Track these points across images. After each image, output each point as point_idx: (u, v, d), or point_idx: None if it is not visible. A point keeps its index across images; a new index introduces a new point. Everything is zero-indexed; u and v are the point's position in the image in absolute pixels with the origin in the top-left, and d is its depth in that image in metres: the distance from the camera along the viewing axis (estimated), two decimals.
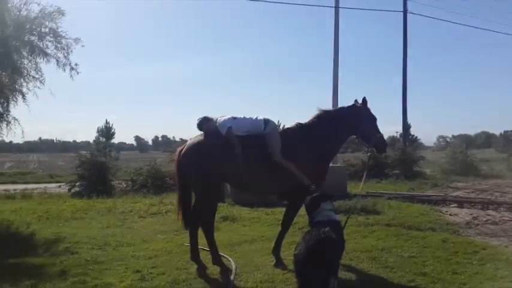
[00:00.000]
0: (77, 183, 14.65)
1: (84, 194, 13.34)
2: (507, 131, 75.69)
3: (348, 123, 5.51)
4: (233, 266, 5.05)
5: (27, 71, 9.55)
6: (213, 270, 4.99)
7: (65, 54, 9.79)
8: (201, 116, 5.20)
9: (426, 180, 17.98)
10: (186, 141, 5.50)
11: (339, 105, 8.14)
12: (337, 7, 17.56)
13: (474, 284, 4.51)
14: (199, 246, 5.20)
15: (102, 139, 41.53)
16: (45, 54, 9.58)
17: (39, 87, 9.70)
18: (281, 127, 6.60)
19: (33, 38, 9.50)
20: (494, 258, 5.46)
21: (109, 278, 4.77)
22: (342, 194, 10.99)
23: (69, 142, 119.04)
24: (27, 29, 9.36)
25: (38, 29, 9.51)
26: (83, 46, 10.03)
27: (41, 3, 9.43)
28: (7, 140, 17.15)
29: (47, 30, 9.55)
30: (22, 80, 9.56)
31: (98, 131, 42.05)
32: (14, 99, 9.63)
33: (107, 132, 41.72)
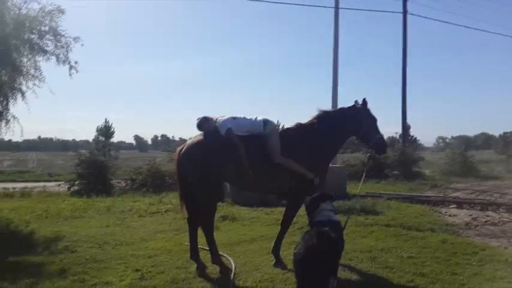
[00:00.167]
0: (76, 182, 14.62)
1: (84, 193, 13.32)
2: (506, 133, 75.97)
3: (348, 124, 5.51)
4: (233, 265, 5.05)
5: (27, 69, 9.53)
6: (213, 270, 4.98)
7: (65, 53, 9.79)
8: (201, 115, 5.20)
9: (425, 181, 18.00)
10: (185, 140, 5.50)
11: (339, 106, 8.15)
12: (337, 8, 17.56)
13: (473, 284, 4.52)
14: (199, 246, 5.20)
15: (102, 138, 41.59)
16: (45, 53, 9.56)
17: (38, 86, 9.69)
18: (280, 127, 6.60)
19: (33, 36, 9.47)
20: (494, 259, 5.47)
21: (108, 276, 4.77)
22: (341, 194, 11.00)
23: (68, 141, 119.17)
24: (27, 27, 9.33)
25: (38, 28, 9.48)
26: (82, 45, 10.02)
27: (41, 2, 9.41)
28: (6, 139, 17.14)
29: (46, 28, 9.53)
30: (21, 78, 9.54)
31: (97, 130, 42.19)
32: (14, 97, 9.61)
33: (106, 131, 41.78)
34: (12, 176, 24.54)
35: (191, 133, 5.42)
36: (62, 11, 9.60)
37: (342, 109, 5.81)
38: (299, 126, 5.52)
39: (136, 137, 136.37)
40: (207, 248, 5.15)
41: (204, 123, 5.15)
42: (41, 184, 17.83)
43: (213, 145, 4.97)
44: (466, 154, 23.21)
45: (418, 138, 43.48)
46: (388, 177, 18.02)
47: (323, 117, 5.51)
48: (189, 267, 5.07)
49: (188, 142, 5.19)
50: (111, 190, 14.09)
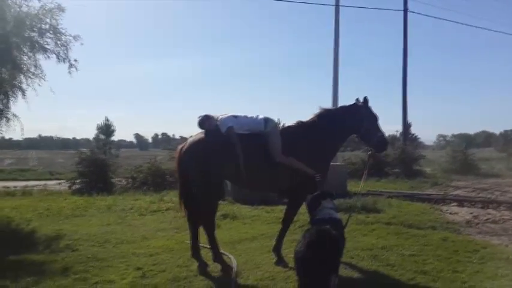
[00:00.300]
0: (77, 181, 14.63)
1: (85, 191, 13.35)
2: (507, 130, 75.88)
3: (349, 122, 5.50)
4: (234, 263, 5.05)
5: (27, 67, 9.53)
6: (214, 268, 4.99)
7: (65, 51, 9.78)
8: (202, 114, 5.20)
9: (426, 179, 18.00)
10: (186, 139, 5.50)
11: (339, 104, 8.14)
12: (337, 5, 17.54)
13: (475, 282, 4.52)
14: (200, 244, 5.20)
15: (102, 136, 41.63)
16: (45, 50, 9.55)
17: (39, 84, 9.69)
18: (281, 125, 6.59)
19: (33, 34, 9.46)
20: (495, 257, 5.47)
21: (110, 275, 4.78)
22: (342, 192, 11.00)
23: (68, 139, 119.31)
24: (28, 25, 9.32)
25: (39, 26, 9.47)
26: (82, 44, 10.05)
27: (41, 0, 9.42)
28: (7, 137, 17.12)
29: (47, 26, 9.52)
30: (22, 76, 9.54)
31: (97, 129, 42.21)
32: (14, 95, 9.61)
33: (106, 129, 41.83)
34: (13, 175, 24.53)
35: (191, 131, 5.44)
36: (62, 9, 9.60)
37: (343, 107, 5.80)
38: (300, 124, 5.52)
39: (137, 136, 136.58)
40: (209, 246, 5.15)
41: (205, 121, 5.14)
42: (42, 182, 17.83)
43: (214, 143, 4.97)
44: (466, 152, 23.24)
45: (418, 137, 43.60)
46: (389, 175, 18.02)
47: (324, 115, 5.50)
48: (190, 265, 5.08)
49: (189, 140, 5.18)
50: (112, 188, 14.09)
